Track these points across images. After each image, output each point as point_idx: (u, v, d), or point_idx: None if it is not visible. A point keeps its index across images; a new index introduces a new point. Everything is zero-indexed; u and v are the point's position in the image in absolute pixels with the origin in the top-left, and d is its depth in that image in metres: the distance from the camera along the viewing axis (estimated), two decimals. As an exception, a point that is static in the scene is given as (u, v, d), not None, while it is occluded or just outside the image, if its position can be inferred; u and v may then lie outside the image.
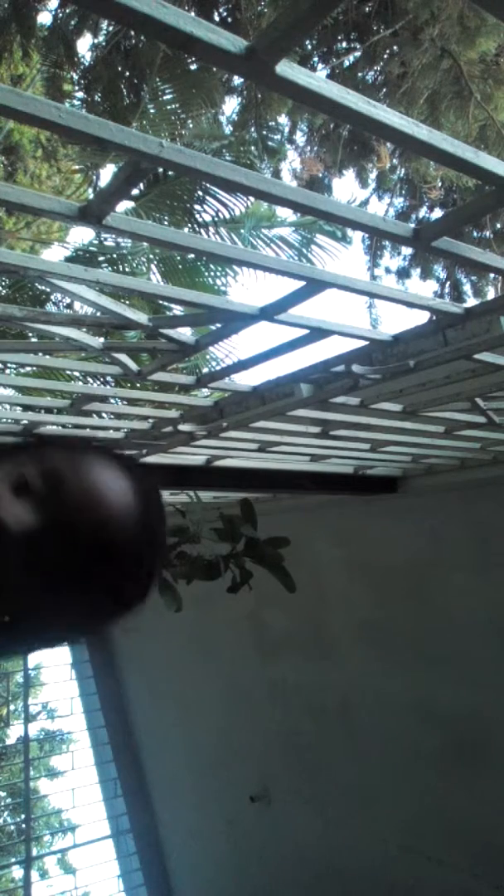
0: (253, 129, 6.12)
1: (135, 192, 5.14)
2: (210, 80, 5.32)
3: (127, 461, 0.77)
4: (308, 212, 0.70)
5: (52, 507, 0.65)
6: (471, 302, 7.01)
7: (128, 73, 5.44)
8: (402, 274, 9.31)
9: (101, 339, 1.08)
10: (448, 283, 9.12)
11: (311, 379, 1.33)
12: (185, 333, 1.07)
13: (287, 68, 0.51)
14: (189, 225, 5.77)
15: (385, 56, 6.12)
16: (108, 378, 4.67)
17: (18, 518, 0.63)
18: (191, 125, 5.69)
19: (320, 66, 6.40)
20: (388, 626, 3.21)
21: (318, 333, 1.02)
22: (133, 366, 1.18)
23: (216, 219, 5.94)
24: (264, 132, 6.29)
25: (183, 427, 1.60)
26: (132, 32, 4.96)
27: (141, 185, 5.47)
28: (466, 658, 2.85)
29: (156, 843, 5.45)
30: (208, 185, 5.30)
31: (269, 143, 6.49)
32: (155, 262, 5.79)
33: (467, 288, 8.96)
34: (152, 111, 5.53)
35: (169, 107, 5.56)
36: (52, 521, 0.65)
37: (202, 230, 5.83)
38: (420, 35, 5.40)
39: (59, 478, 0.67)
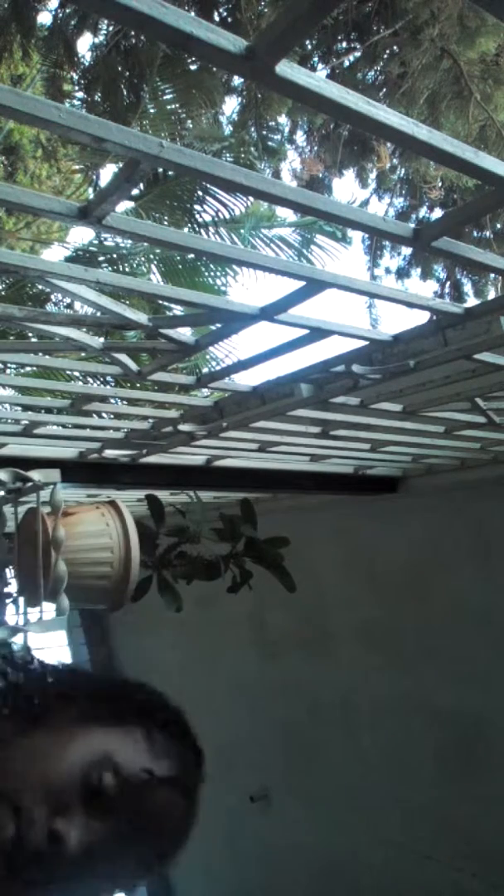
0: (253, 130, 6.12)
1: (135, 192, 5.13)
2: (210, 80, 5.32)
3: (173, 726, 0.82)
4: (308, 212, 0.70)
5: (117, 823, 0.70)
6: (471, 302, 7.01)
7: (128, 73, 5.43)
8: (402, 274, 9.31)
9: (101, 339, 1.08)
10: (448, 283, 9.12)
11: (311, 379, 1.33)
12: (185, 333, 1.07)
13: (287, 68, 0.51)
14: (189, 225, 5.78)
15: (385, 56, 6.12)
16: (108, 378, 4.67)
17: (80, 837, 0.66)
18: (191, 125, 5.69)
19: (320, 66, 6.40)
20: (388, 625, 3.21)
21: (318, 333, 1.02)
22: (133, 366, 1.18)
23: (216, 219, 5.95)
24: (264, 132, 6.29)
25: (183, 427, 1.60)
26: (132, 32, 4.96)
27: (141, 185, 5.47)
28: (466, 658, 2.85)
29: (156, 843, 5.44)
30: (208, 185, 5.30)
31: (269, 143, 6.48)
32: (155, 262, 5.79)
33: (468, 288, 8.96)
34: (152, 111, 5.53)
35: (169, 107, 5.56)
36: (114, 834, 0.69)
37: (202, 230, 5.83)
38: (420, 35, 5.40)
39: (128, 786, 0.71)
